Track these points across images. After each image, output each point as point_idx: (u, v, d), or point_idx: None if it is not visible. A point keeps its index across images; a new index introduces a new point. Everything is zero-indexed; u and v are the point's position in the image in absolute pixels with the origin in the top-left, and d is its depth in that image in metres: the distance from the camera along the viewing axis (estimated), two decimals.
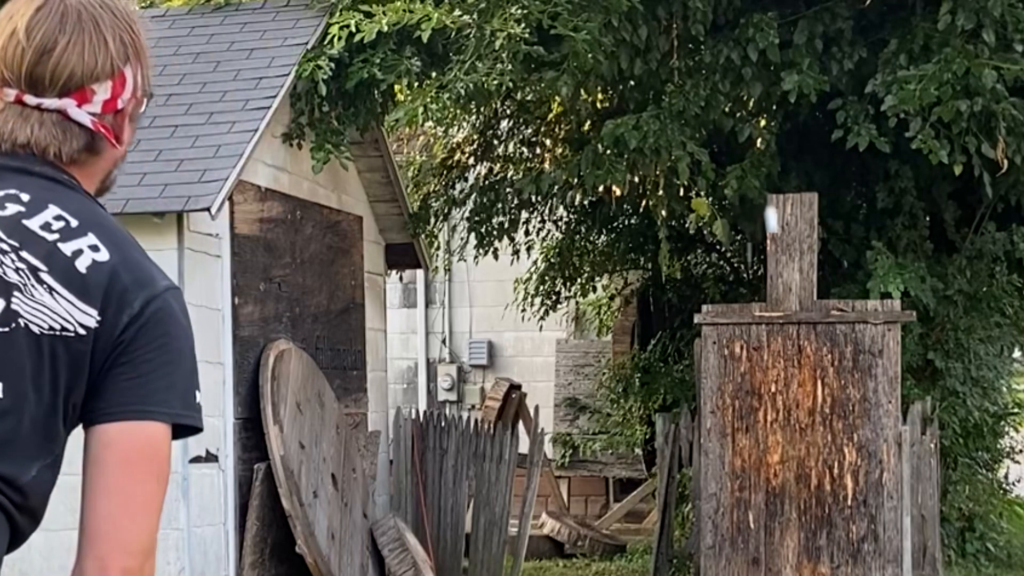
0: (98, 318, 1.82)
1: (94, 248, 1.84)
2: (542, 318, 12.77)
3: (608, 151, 8.98)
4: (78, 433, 1.88)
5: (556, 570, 11.61)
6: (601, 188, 9.67)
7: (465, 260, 12.80)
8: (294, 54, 8.64)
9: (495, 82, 8.29)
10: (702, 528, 8.30)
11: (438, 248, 12.73)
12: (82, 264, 1.83)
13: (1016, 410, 13.11)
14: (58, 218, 1.86)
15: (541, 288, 12.74)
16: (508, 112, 11.83)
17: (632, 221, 12.29)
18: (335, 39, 8.40)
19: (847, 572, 8.01)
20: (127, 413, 1.82)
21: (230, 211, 8.04)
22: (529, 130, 12.00)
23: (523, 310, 12.86)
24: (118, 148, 1.98)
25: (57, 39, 1.89)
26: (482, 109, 11.20)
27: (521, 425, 11.35)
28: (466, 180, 11.83)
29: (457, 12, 8.47)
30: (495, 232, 11.26)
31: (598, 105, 10.87)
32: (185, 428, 1.88)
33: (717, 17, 9.08)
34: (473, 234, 11.35)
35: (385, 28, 8.35)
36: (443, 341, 15.16)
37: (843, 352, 8.03)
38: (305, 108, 8.77)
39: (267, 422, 8.06)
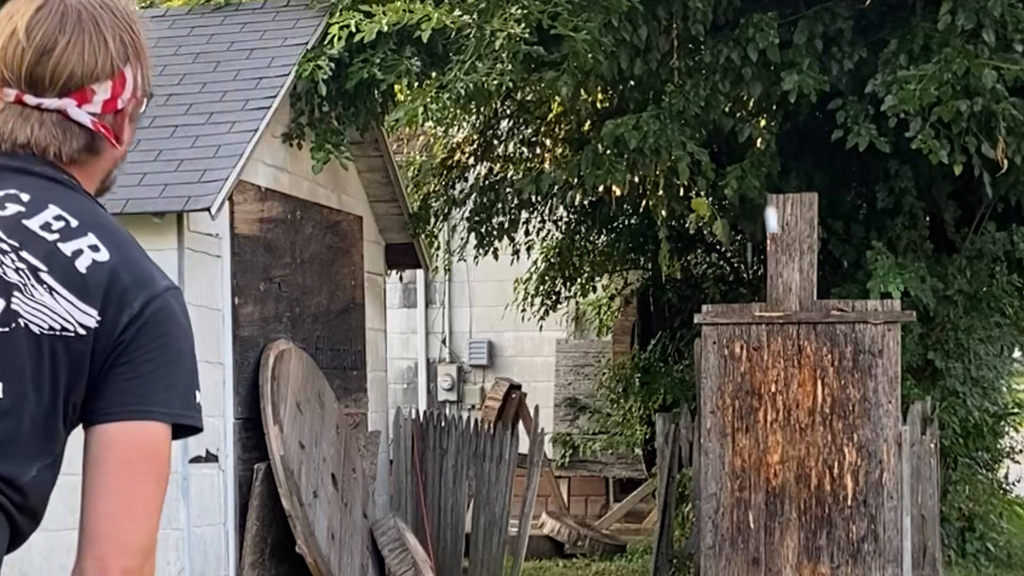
0: (98, 318, 1.82)
1: (94, 248, 1.84)
2: (542, 318, 12.77)
3: (608, 151, 8.98)
4: (78, 433, 1.88)
5: (556, 570, 11.61)
6: (601, 188, 9.68)
7: (465, 260, 12.80)
8: (294, 54, 8.64)
9: (495, 82, 8.29)
10: (702, 528, 8.30)
11: (438, 248, 12.73)
12: (82, 264, 1.83)
13: (1016, 410, 13.11)
14: (58, 218, 1.86)
15: (541, 288, 12.75)
16: (508, 112, 11.83)
17: (632, 221, 12.29)
18: (335, 39, 8.41)
19: (847, 572, 8.01)
20: (127, 413, 1.82)
21: (230, 211, 8.04)
22: (529, 130, 12.00)
23: (523, 310, 12.86)
24: (118, 148, 1.98)
25: (57, 39, 1.89)
26: (482, 109, 11.20)
27: (521, 425, 11.35)
28: (466, 180, 11.83)
29: (457, 12, 8.47)
30: (495, 232, 11.26)
31: (598, 105, 10.87)
32: (185, 428, 1.88)
33: (717, 17, 9.08)
34: (473, 234, 11.35)
35: (385, 28, 8.35)
36: (443, 341, 15.16)
37: (843, 352, 8.03)
38: (305, 108, 8.77)
39: (267, 422, 8.06)
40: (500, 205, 11.28)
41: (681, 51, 9.35)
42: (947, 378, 10.69)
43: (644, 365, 12.90)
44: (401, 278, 13.95)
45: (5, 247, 1.83)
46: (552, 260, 12.69)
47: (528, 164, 11.67)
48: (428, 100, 8.39)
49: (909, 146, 8.48)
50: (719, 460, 8.18)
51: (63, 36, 1.89)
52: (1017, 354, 13.96)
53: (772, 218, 8.18)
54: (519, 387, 12.13)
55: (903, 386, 8.50)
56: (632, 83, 9.68)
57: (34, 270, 1.82)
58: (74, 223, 1.86)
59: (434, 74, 8.85)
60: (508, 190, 11.25)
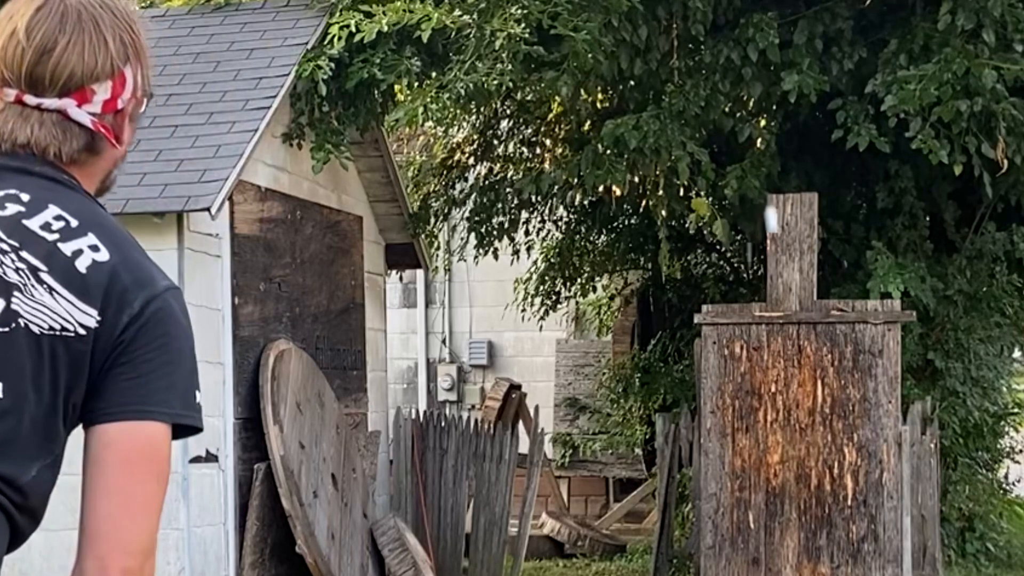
0: (98, 318, 1.82)
1: (94, 248, 1.84)
2: (542, 318, 12.77)
3: (608, 151, 8.98)
4: (78, 433, 1.88)
5: (556, 570, 11.61)
6: (601, 188, 9.68)
7: (465, 260, 12.80)
8: (294, 54, 8.64)
9: (495, 82, 8.29)
10: (702, 528, 8.30)
11: (438, 248, 12.73)
12: (82, 264, 1.83)
13: (1016, 410, 13.11)
14: (58, 218, 1.86)
15: (541, 288, 12.75)
16: (508, 112, 11.83)
17: (632, 221, 12.29)
18: (335, 39, 8.40)
19: (847, 572, 8.01)
20: (127, 413, 1.82)
21: (230, 211, 8.04)
22: (529, 130, 12.00)
23: (523, 310, 12.86)
24: (118, 148, 1.98)
25: (57, 39, 1.89)
26: (482, 109, 11.20)
27: (521, 425, 11.35)
28: (466, 180, 11.83)
29: (457, 12, 8.47)
30: (495, 232, 11.26)
31: (598, 105, 10.87)
32: (185, 428, 1.88)
33: (717, 17, 9.08)
34: (473, 234, 11.35)
35: (385, 28, 8.35)
36: (443, 341, 15.16)
37: (843, 352, 8.03)
38: (305, 108, 8.77)
39: (267, 422, 8.06)
40: (500, 205, 11.28)
41: (681, 51, 9.35)
42: (947, 378, 10.69)
43: (644, 365, 12.90)
44: (401, 278, 13.95)
45: (5, 247, 1.83)
46: (552, 260, 12.69)
47: (528, 164, 11.67)
48: (428, 100, 8.39)
49: (909, 146, 8.48)
50: (719, 460, 8.18)
51: (63, 36, 1.89)
52: (1017, 354, 13.97)
53: (772, 218, 8.17)
54: (519, 387, 12.13)
55: (903, 386, 8.50)
56: (632, 83, 9.68)
57: (34, 270, 1.82)
58: (74, 223, 1.86)
59: (434, 74, 8.85)
60: (508, 190, 11.25)
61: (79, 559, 1.81)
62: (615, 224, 12.42)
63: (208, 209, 7.41)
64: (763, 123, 9.72)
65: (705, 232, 11.43)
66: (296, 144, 8.80)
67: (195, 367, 1.90)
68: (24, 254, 1.82)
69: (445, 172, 11.87)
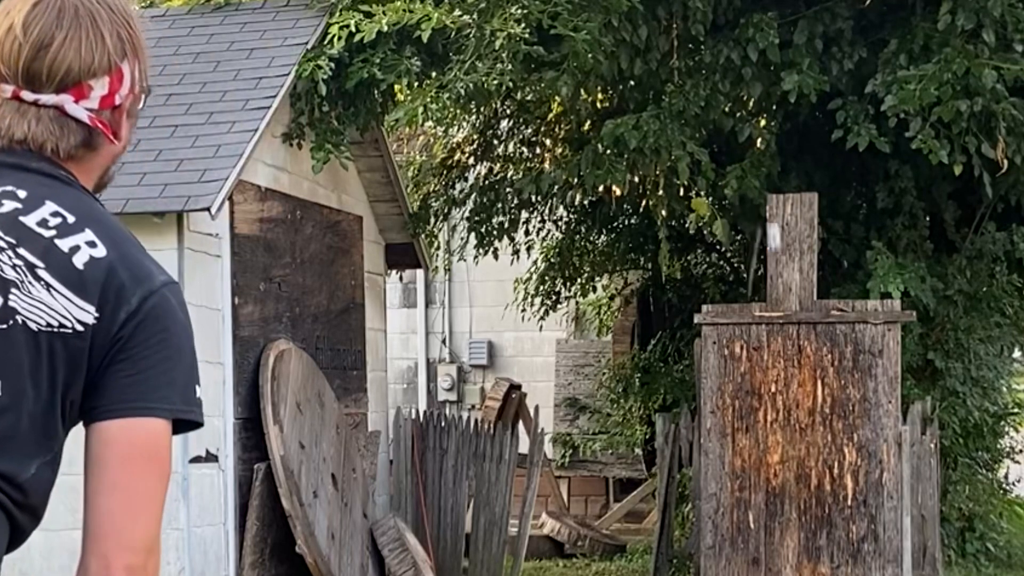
0: (96, 315, 1.82)
1: (91, 244, 1.84)
2: (542, 318, 12.77)
3: (608, 151, 8.98)
4: (79, 433, 1.88)
5: (556, 570, 11.61)
6: (601, 188, 9.68)
7: (465, 260, 12.80)
8: (294, 54, 8.64)
9: (495, 82, 8.29)
10: (702, 528, 8.30)
11: (438, 248, 12.73)
12: (79, 260, 1.83)
13: (1016, 410, 13.11)
14: (55, 214, 1.86)
15: (541, 288, 12.75)
16: (508, 112, 11.83)
17: (632, 221, 12.29)
18: (335, 39, 8.40)
19: (847, 572, 8.01)
20: (127, 410, 1.82)
21: (230, 211, 8.04)
22: (529, 130, 12.00)
23: (523, 310, 12.86)
24: (116, 144, 1.98)
25: (54, 35, 1.89)
26: (482, 109, 11.20)
27: (521, 425, 11.34)
28: (466, 180, 11.83)
29: (457, 12, 8.47)
30: (495, 232, 11.26)
31: (598, 105, 10.87)
32: (186, 423, 1.88)
33: (717, 17, 9.08)
34: (473, 234, 11.35)
35: (385, 28, 8.35)
36: (443, 341, 15.16)
37: (843, 352, 8.03)
38: (305, 108, 8.77)
39: (267, 422, 8.06)
40: (500, 205, 11.28)
41: (681, 51, 9.35)
42: (947, 378, 10.69)
43: (644, 365, 12.90)
44: (401, 278, 13.95)
45: (2, 244, 1.82)
46: (552, 260, 12.69)
47: (528, 164, 11.67)
48: (428, 100, 8.38)
49: (909, 146, 8.48)
50: (719, 460, 8.18)
51: (60, 32, 1.89)
52: (1017, 354, 13.97)
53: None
54: (519, 387, 12.13)
55: (903, 386, 8.50)
56: (632, 83, 9.68)
57: (31, 267, 1.82)
58: (71, 219, 1.86)
59: (434, 74, 8.85)
60: (508, 190, 11.25)
61: (83, 557, 1.81)
62: (615, 224, 12.42)
63: (208, 209, 7.41)
64: (763, 123, 9.72)
65: (705, 232, 11.43)
66: (296, 144, 8.80)
67: (195, 362, 1.90)
68: (21, 251, 1.82)
69: (445, 172, 11.87)
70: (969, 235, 10.46)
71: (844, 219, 10.40)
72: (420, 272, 13.62)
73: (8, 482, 1.79)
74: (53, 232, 1.84)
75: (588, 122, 11.06)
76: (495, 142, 11.94)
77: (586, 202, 11.71)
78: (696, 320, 8.40)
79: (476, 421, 10.28)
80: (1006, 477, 12.86)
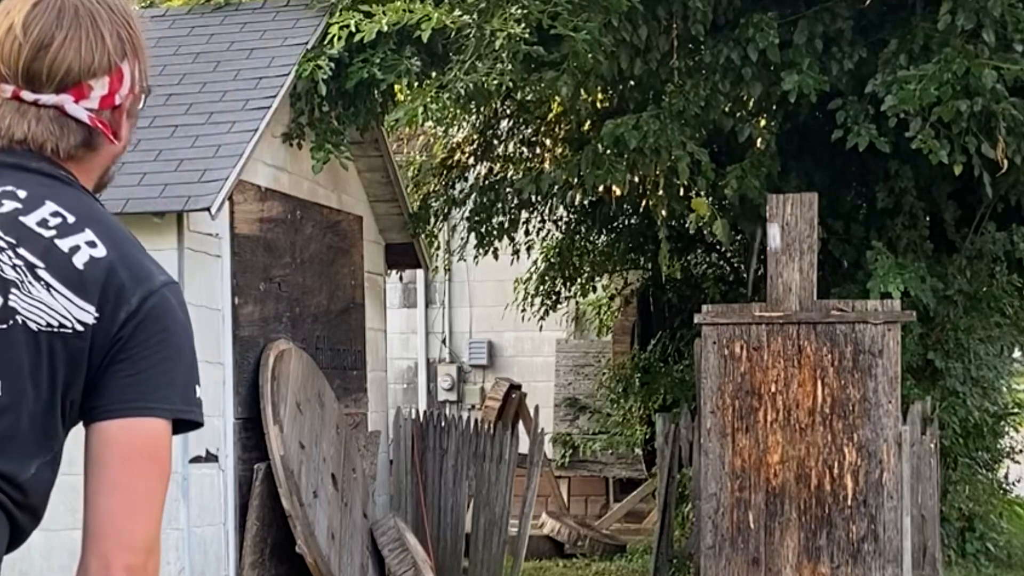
0: (96, 315, 1.82)
1: (91, 244, 1.84)
2: (542, 318, 12.77)
3: (608, 151, 8.98)
4: (79, 433, 1.88)
5: (556, 570, 11.61)
6: (601, 188, 9.68)
7: (465, 260, 12.80)
8: (294, 54, 8.64)
9: (495, 82, 8.29)
10: (702, 528, 8.30)
11: (438, 248, 12.73)
12: (79, 260, 1.83)
13: (1016, 410, 13.11)
14: (55, 214, 1.86)
15: (541, 288, 12.75)
16: (508, 112, 11.83)
17: (632, 221, 12.29)
18: (335, 39, 8.40)
19: (847, 572, 8.01)
20: (127, 410, 1.82)
21: (230, 211, 8.04)
22: (529, 130, 12.00)
23: (523, 310, 12.86)
24: (116, 144, 1.98)
25: (54, 35, 1.89)
26: (482, 109, 11.20)
27: (521, 425, 11.34)
28: (466, 180, 11.83)
29: (457, 12, 8.47)
30: (495, 232, 11.26)
31: (598, 105, 10.87)
32: (186, 423, 1.88)
33: (717, 17, 9.08)
34: (473, 234, 11.35)
35: (385, 28, 8.35)
36: (443, 341, 15.16)
37: (843, 352, 8.03)
38: (305, 108, 8.77)
39: (267, 422, 8.06)
40: (500, 205, 11.28)
41: (681, 51, 9.35)
42: (947, 378, 10.69)
43: (644, 365, 12.90)
44: (401, 278, 13.95)
45: (2, 244, 1.82)
46: (552, 260, 12.69)
47: (528, 164, 11.67)
48: (428, 100, 8.38)
49: (909, 146, 8.48)
50: (719, 460, 8.18)
51: (60, 31, 1.89)
52: (1017, 354, 13.96)
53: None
54: (519, 387, 12.13)
55: (903, 386, 8.50)
56: (632, 83, 9.68)
57: (31, 267, 1.82)
58: (71, 219, 1.86)
59: (434, 74, 8.85)
60: (508, 190, 11.24)
61: (83, 557, 1.81)
62: (615, 224, 12.42)
63: (208, 209, 7.41)
64: (763, 123, 9.72)
65: (705, 232, 11.43)
66: (296, 144, 8.80)
67: (195, 362, 1.90)
68: (21, 251, 1.82)
69: (445, 172, 11.87)
70: (969, 235, 10.46)
71: (844, 219, 10.40)
72: (420, 272, 13.62)
73: (8, 482, 1.79)
74: (53, 232, 1.84)
75: (588, 122, 11.06)
76: (495, 142, 11.94)
77: (586, 202, 11.71)
78: (696, 320, 8.39)
79: (476, 421, 10.28)
80: (1006, 477, 12.86)
